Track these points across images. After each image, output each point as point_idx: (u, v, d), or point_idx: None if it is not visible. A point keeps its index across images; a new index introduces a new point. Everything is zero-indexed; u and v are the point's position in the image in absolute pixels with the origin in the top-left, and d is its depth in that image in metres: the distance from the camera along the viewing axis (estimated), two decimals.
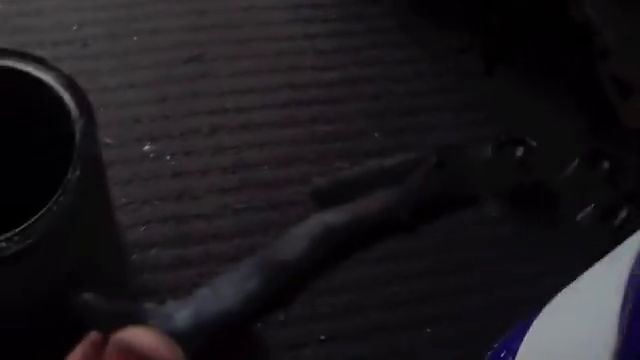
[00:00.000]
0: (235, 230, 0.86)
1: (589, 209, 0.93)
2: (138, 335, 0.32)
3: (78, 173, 0.62)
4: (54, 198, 0.60)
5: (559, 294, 0.69)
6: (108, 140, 0.90)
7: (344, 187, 0.89)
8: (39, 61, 0.67)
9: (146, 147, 0.91)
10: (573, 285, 0.67)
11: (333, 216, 0.86)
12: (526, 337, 0.68)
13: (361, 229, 0.87)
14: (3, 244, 0.57)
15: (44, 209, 0.59)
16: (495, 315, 0.85)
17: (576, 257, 0.87)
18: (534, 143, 0.94)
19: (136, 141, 0.91)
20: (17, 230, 0.58)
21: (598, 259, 0.67)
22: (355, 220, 0.86)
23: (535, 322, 0.69)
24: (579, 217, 0.95)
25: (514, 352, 0.69)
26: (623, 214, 0.92)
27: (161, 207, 0.87)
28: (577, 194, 0.96)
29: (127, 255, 0.84)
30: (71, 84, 0.67)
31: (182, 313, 0.74)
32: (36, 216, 0.59)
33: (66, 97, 0.66)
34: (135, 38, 0.99)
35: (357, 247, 0.87)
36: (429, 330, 0.84)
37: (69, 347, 0.71)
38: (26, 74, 0.66)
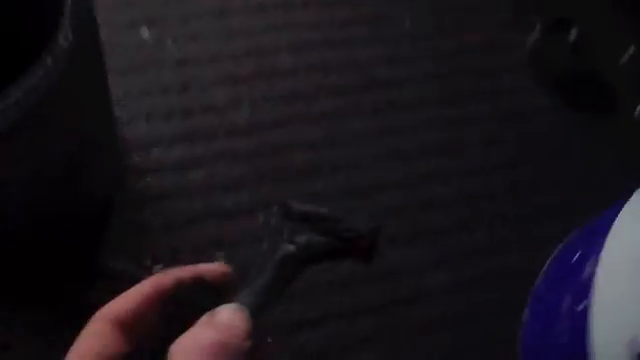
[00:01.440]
0: (251, 124, 0.74)
1: None
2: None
3: (71, 37, 0.49)
4: (39, 61, 0.48)
5: None
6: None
7: None
8: None
9: (143, 32, 0.78)
10: None
11: None
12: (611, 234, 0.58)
13: None
14: None
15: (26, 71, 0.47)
16: (547, 220, 0.75)
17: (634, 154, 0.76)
18: (587, 28, 0.82)
19: (131, 25, 0.78)
20: None
21: None
22: None
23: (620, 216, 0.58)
24: (638, 111, 0.83)
25: (596, 250, 0.58)
26: None
27: (164, 100, 0.75)
28: (634, 85, 0.85)
29: (127, 155, 0.72)
30: None
31: None
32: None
33: None
34: None
35: None
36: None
37: (70, 239, 0.61)
38: None
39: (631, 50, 0.86)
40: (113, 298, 0.35)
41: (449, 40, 0.83)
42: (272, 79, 0.77)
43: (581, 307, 0.58)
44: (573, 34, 0.81)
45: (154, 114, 0.74)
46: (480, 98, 0.80)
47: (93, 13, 0.53)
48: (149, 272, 0.67)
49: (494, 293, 0.70)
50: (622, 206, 0.61)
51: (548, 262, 0.69)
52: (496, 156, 0.78)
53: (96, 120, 0.63)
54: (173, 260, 0.69)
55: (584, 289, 0.57)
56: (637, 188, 0.60)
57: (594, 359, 0.55)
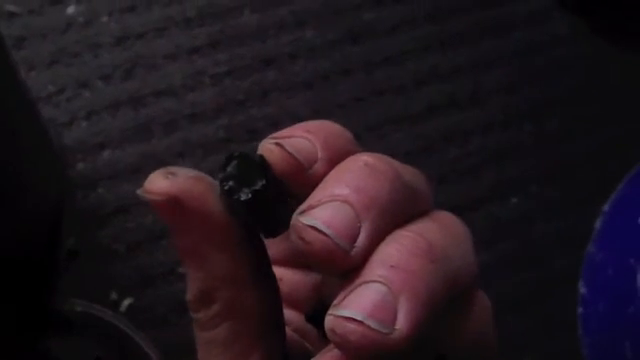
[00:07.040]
0: (217, 105, 0.60)
1: None
2: None
3: None
4: None
5: None
6: (12, 8, 0.62)
7: None
8: None
9: (70, 9, 0.63)
10: None
11: None
12: None
13: None
14: None
15: None
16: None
17: None
18: None
19: (54, 2, 0.63)
20: None
21: None
22: None
23: None
24: None
25: None
26: None
27: (106, 89, 0.60)
28: None
29: (69, 164, 0.58)
30: None
31: None
32: None
33: None
34: None
35: None
36: None
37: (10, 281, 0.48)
38: None
39: None
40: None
41: None
42: (236, 45, 0.62)
43: None
44: None
45: (97, 109, 0.60)
46: (492, 34, 0.66)
47: None
48: (116, 309, 0.54)
49: None
50: None
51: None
52: (519, 103, 0.64)
53: (19, 127, 0.48)
54: (145, 288, 0.55)
55: None
56: None
57: None
